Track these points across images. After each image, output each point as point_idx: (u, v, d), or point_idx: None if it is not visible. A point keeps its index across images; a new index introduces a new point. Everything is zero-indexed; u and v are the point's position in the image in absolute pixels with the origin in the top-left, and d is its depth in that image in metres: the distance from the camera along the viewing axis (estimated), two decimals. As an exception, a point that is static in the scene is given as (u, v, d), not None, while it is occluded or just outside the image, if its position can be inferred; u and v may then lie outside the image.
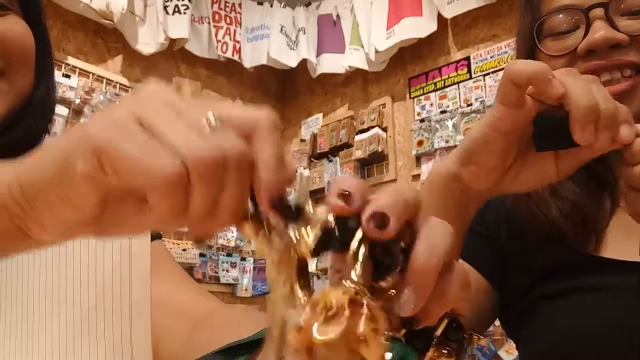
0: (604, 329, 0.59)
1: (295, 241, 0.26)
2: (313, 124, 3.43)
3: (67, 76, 2.45)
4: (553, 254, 0.66)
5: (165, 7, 2.83)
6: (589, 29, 0.61)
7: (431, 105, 2.87)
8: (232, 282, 2.99)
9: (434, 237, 0.27)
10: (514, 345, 2.39)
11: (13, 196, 0.29)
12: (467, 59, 2.78)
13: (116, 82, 2.71)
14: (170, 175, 0.24)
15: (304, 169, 3.26)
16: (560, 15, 0.64)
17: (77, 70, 2.54)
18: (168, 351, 0.55)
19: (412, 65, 3.03)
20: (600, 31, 0.59)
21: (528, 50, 0.69)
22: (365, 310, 0.24)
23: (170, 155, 0.24)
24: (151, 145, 0.24)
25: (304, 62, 3.23)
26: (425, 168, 2.76)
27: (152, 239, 0.62)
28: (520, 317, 0.69)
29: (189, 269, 2.74)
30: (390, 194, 0.27)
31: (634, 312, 0.58)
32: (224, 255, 2.99)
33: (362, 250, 0.26)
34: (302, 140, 3.41)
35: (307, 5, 3.35)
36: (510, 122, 0.46)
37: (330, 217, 0.26)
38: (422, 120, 2.84)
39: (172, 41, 2.88)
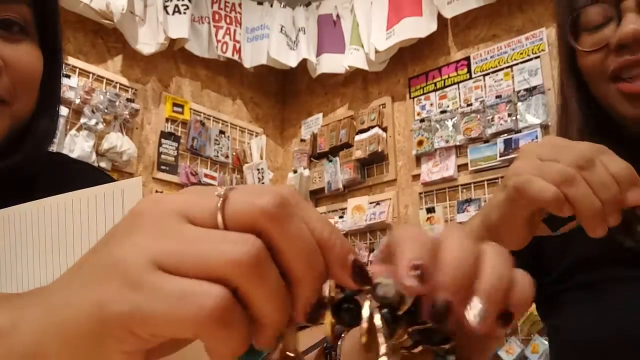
0: (635, 323, 0.59)
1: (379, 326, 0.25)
2: (313, 124, 3.43)
3: (67, 76, 2.45)
4: (592, 243, 0.66)
5: (165, 7, 2.83)
6: (620, 21, 0.59)
7: (431, 105, 2.87)
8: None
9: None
10: (514, 345, 2.38)
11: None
12: (467, 59, 2.78)
13: (116, 82, 2.71)
14: (214, 305, 0.22)
15: (304, 169, 3.26)
16: (594, 9, 0.62)
17: (77, 70, 2.54)
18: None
19: (412, 65, 3.03)
20: (630, 24, 0.58)
21: (568, 45, 0.68)
22: None
23: (204, 286, 0.22)
24: (182, 288, 0.22)
25: (304, 62, 3.23)
26: (425, 168, 2.76)
27: None
28: (554, 305, 0.69)
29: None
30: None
31: None
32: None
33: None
34: (302, 140, 3.41)
35: (307, 5, 3.35)
36: (520, 212, 0.51)
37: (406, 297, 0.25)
38: (422, 120, 2.84)
39: (172, 41, 2.88)
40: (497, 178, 2.48)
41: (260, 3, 3.34)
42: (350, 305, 0.25)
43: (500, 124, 2.51)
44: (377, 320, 0.25)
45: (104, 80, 2.65)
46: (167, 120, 2.93)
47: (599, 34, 0.62)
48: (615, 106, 0.62)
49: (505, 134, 2.48)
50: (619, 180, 0.46)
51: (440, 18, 2.77)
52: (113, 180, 0.69)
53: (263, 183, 3.25)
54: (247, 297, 0.23)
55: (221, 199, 0.24)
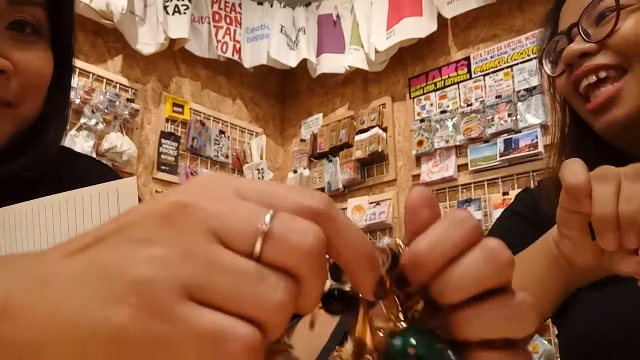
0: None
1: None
2: (313, 124, 3.43)
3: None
4: None
5: (165, 7, 2.83)
6: None
7: (431, 105, 2.87)
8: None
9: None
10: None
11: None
12: (467, 59, 2.78)
13: (116, 82, 2.71)
14: (246, 346, 0.20)
15: (304, 169, 3.26)
16: (556, 42, 0.74)
17: (77, 70, 2.54)
18: None
19: (412, 65, 3.03)
20: (572, 46, 0.67)
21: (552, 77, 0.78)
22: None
23: (239, 325, 0.21)
24: (215, 325, 0.20)
25: (304, 62, 3.23)
26: (425, 168, 2.76)
27: None
28: (563, 303, 0.70)
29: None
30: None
31: None
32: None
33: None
34: (302, 140, 3.41)
35: (307, 5, 3.35)
36: (573, 207, 0.49)
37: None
38: (422, 120, 2.84)
39: (172, 41, 2.88)
40: (497, 178, 2.48)
41: (260, 3, 3.34)
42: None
43: (500, 124, 2.50)
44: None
45: (104, 80, 2.65)
46: (167, 120, 2.93)
47: (561, 61, 0.72)
48: (590, 123, 0.70)
49: (505, 134, 2.48)
50: None
51: (440, 18, 2.77)
52: (116, 174, 0.69)
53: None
54: (269, 335, 0.22)
55: (263, 229, 0.22)
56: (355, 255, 0.24)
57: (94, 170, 0.68)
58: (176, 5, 2.87)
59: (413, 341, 0.25)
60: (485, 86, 2.67)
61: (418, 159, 2.83)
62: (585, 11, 0.67)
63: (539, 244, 0.56)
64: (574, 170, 0.46)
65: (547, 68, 0.75)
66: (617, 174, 0.45)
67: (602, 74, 0.65)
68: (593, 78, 0.66)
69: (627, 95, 0.64)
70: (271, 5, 3.32)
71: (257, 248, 0.21)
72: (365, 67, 3.02)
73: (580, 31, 0.67)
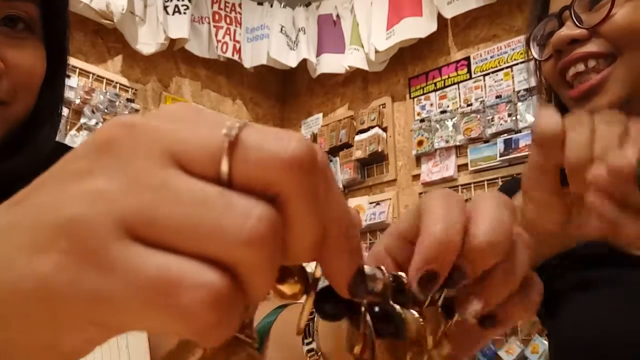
0: (634, 324, 0.60)
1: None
2: (313, 124, 3.43)
3: (67, 76, 2.45)
4: (591, 245, 0.67)
5: (165, 7, 2.83)
6: None
7: (431, 105, 2.87)
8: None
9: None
10: (514, 345, 2.39)
11: None
12: (467, 59, 2.78)
13: (116, 82, 2.71)
14: (208, 300, 0.16)
15: (304, 169, 3.26)
16: (545, 25, 0.70)
17: (77, 70, 2.54)
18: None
19: (412, 65, 3.03)
20: (561, 32, 0.64)
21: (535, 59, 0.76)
22: None
23: (195, 269, 0.16)
24: (163, 271, 0.16)
25: (304, 62, 3.23)
26: (425, 168, 2.76)
27: None
28: (551, 305, 0.69)
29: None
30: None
31: None
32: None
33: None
34: (302, 140, 3.41)
35: (307, 5, 3.35)
36: (544, 160, 0.46)
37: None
38: (422, 120, 2.84)
39: (172, 41, 2.88)
40: (497, 178, 2.48)
41: (260, 3, 3.34)
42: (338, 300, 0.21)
43: (500, 124, 2.50)
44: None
45: (104, 80, 2.65)
46: (167, 120, 2.93)
47: (550, 45, 0.69)
48: (570, 110, 0.67)
49: (505, 134, 2.48)
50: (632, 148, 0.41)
51: (440, 18, 2.76)
52: None
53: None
54: (247, 286, 0.17)
55: (228, 139, 0.17)
56: (339, 230, 0.19)
57: None
58: (176, 5, 2.87)
59: None
60: (485, 86, 2.67)
61: (418, 159, 2.83)
62: None
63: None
64: (547, 115, 0.45)
65: (535, 51, 0.73)
66: (591, 118, 0.44)
67: (592, 63, 0.63)
68: (582, 66, 0.64)
69: (611, 85, 0.62)
70: (271, 5, 3.32)
71: (224, 165, 0.17)
72: (365, 67, 3.02)
73: (572, 15, 0.64)
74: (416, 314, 0.23)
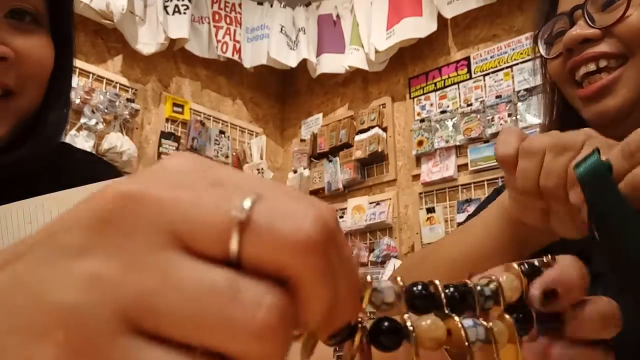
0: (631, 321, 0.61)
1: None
2: (313, 124, 3.43)
3: (74, 70, 2.45)
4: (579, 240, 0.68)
5: (165, 7, 2.83)
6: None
7: (431, 105, 2.87)
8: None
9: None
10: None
11: None
12: (467, 59, 2.77)
13: (116, 82, 2.71)
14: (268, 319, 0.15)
15: (304, 169, 3.26)
16: (555, 23, 0.70)
17: (77, 70, 2.54)
18: None
19: (412, 65, 3.03)
20: (573, 30, 0.64)
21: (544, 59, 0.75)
22: None
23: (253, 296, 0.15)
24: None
25: (304, 62, 3.23)
26: (425, 168, 2.76)
27: None
28: None
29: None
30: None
31: None
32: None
33: None
34: (302, 140, 3.41)
35: (307, 5, 3.35)
36: (508, 176, 0.50)
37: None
38: (422, 120, 2.84)
39: (172, 41, 2.88)
40: (497, 178, 2.47)
41: (260, 3, 3.34)
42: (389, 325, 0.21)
43: (500, 124, 2.50)
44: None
45: (104, 80, 2.65)
46: (167, 120, 2.93)
47: (559, 44, 0.69)
48: (578, 110, 0.67)
49: (505, 134, 2.48)
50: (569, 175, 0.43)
51: (440, 18, 2.76)
52: (115, 169, 0.69)
53: (263, 183, 3.24)
54: None
55: (239, 219, 0.16)
56: (350, 291, 0.18)
57: (95, 166, 0.67)
58: (176, 5, 2.87)
59: None
60: (485, 86, 2.67)
61: (418, 159, 2.83)
62: None
63: (495, 205, 0.56)
64: (505, 140, 0.47)
65: (542, 48, 0.72)
66: (542, 147, 0.45)
67: (603, 63, 0.63)
68: (592, 66, 0.63)
69: (622, 86, 0.62)
70: (271, 5, 3.32)
71: (234, 245, 0.15)
72: (365, 67, 3.02)
73: (585, 15, 0.63)
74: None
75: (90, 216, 0.16)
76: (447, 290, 0.23)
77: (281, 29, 3.24)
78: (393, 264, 2.66)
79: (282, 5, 3.31)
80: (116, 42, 2.76)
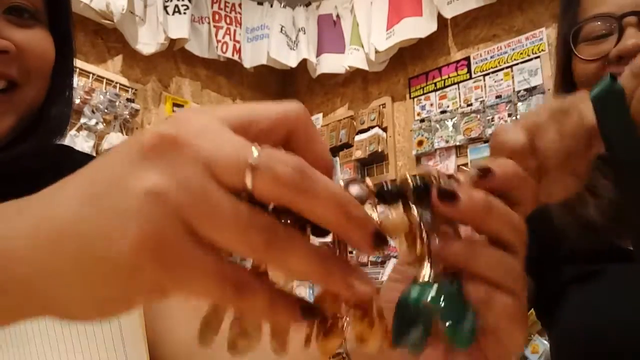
0: (633, 316, 0.61)
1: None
2: (313, 124, 3.43)
3: (74, 69, 2.45)
4: (585, 243, 0.67)
5: (165, 7, 2.83)
6: (621, 35, 0.63)
7: (431, 105, 2.87)
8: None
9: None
10: (514, 345, 2.40)
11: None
12: (467, 59, 2.78)
13: (116, 82, 2.71)
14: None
15: (304, 169, 3.26)
16: (596, 23, 0.67)
17: (77, 70, 2.54)
18: (179, 341, 0.55)
19: (412, 65, 3.03)
20: (631, 39, 0.62)
21: (566, 54, 0.72)
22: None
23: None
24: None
25: (304, 62, 3.23)
26: (425, 168, 2.76)
27: None
28: (550, 302, 0.70)
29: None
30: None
31: None
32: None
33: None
34: (302, 140, 3.41)
35: (307, 5, 3.35)
36: None
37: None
38: (422, 120, 2.84)
39: (172, 41, 2.88)
40: (497, 178, 2.48)
41: (260, 3, 3.34)
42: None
43: (501, 124, 2.50)
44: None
45: (104, 80, 2.65)
46: (167, 120, 2.93)
47: (599, 46, 0.66)
48: None
49: (505, 134, 2.48)
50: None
51: (440, 18, 2.76)
52: None
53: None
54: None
55: (251, 164, 0.22)
56: (321, 162, 0.25)
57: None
58: (176, 5, 2.87)
59: (433, 294, 0.26)
60: (485, 86, 2.67)
61: (418, 159, 2.83)
62: None
63: None
64: (512, 135, 0.44)
65: (574, 48, 0.69)
66: (544, 122, 0.43)
67: None
68: None
69: None
70: (271, 5, 3.32)
71: (249, 182, 0.21)
72: (365, 67, 3.02)
73: None
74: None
75: (139, 147, 0.21)
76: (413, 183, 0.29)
77: (281, 29, 3.24)
78: (393, 264, 2.67)
79: (282, 5, 3.31)
80: (116, 42, 2.76)
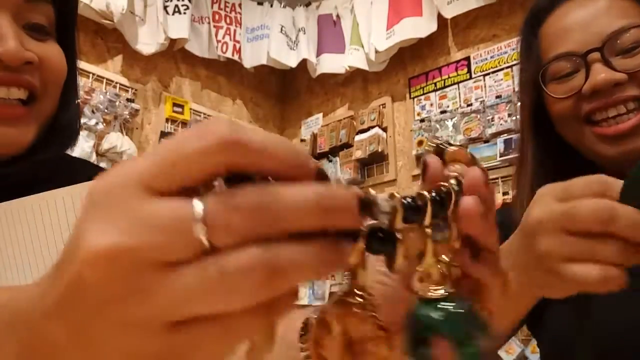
0: (623, 325, 0.61)
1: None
2: (313, 124, 3.43)
3: (79, 72, 2.45)
4: None
5: (165, 7, 2.83)
6: (589, 72, 0.67)
7: (431, 105, 2.87)
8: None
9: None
10: (514, 345, 2.38)
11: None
12: (467, 59, 2.77)
13: (116, 82, 2.71)
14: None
15: (304, 169, 3.25)
16: (562, 62, 0.71)
17: (77, 70, 2.54)
18: None
19: (412, 65, 3.03)
20: (600, 74, 0.66)
21: (534, 98, 0.75)
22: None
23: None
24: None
25: (304, 62, 3.23)
26: (425, 168, 2.76)
27: None
28: (538, 313, 0.70)
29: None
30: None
31: None
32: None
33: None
34: (302, 140, 3.41)
35: (307, 5, 3.35)
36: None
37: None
38: (422, 120, 2.84)
39: (172, 41, 2.88)
40: (497, 178, 2.47)
41: (260, 3, 3.34)
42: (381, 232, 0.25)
43: (500, 124, 2.50)
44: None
45: (104, 80, 2.65)
46: (167, 120, 2.93)
47: (568, 83, 0.70)
48: (592, 148, 0.69)
49: (505, 134, 2.48)
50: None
51: (440, 18, 2.76)
52: None
53: (263, 183, 3.24)
54: None
55: (197, 220, 0.21)
56: (282, 162, 0.22)
57: (91, 172, 0.68)
58: (176, 5, 2.87)
59: (442, 313, 0.26)
60: (485, 86, 2.67)
61: (418, 159, 2.83)
62: (608, 40, 0.66)
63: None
64: (582, 269, 0.41)
65: (544, 87, 0.73)
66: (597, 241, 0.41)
67: (631, 105, 0.66)
68: (623, 109, 0.66)
69: None
70: (271, 5, 3.32)
71: (205, 241, 0.20)
72: (365, 67, 3.02)
73: (606, 59, 0.67)
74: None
75: (71, 283, 0.22)
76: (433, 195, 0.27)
77: (281, 29, 3.24)
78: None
79: (282, 5, 3.31)
80: (116, 42, 2.76)
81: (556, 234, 0.41)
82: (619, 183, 0.41)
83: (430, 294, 0.27)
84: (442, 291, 0.27)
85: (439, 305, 0.27)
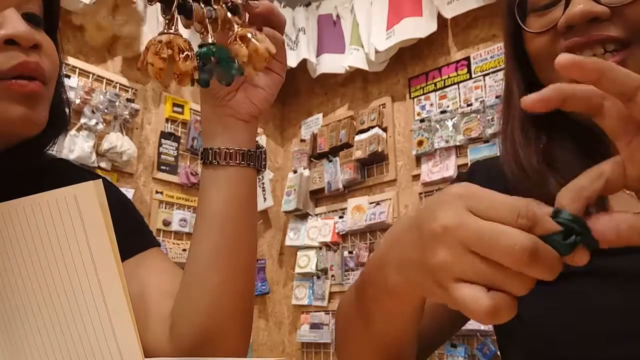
0: (595, 314, 0.55)
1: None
2: (313, 124, 3.43)
3: (67, 76, 2.45)
4: None
5: (165, 7, 2.83)
6: (569, 2, 0.58)
7: (431, 105, 2.87)
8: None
9: None
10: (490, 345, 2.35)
11: None
12: (467, 59, 2.77)
13: (116, 82, 2.71)
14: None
15: (304, 169, 3.26)
16: None
17: (77, 70, 2.54)
18: (156, 330, 0.57)
19: (412, 65, 3.03)
20: (578, 5, 0.56)
21: (513, 29, 0.66)
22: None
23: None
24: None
25: (304, 62, 3.23)
26: (425, 168, 2.76)
27: (152, 246, 0.64)
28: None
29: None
30: None
31: (626, 297, 0.53)
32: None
33: None
34: (302, 140, 3.41)
35: (307, 5, 3.35)
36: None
37: None
38: (422, 120, 2.84)
39: (172, 41, 2.87)
40: (497, 178, 2.48)
41: (260, 3, 3.33)
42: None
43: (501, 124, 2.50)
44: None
45: (104, 81, 2.65)
46: (167, 120, 2.93)
47: (547, 16, 0.61)
48: None
49: (505, 134, 2.48)
50: None
51: (440, 18, 2.76)
52: (114, 187, 0.70)
53: (263, 183, 3.25)
54: None
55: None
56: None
57: (86, 176, 0.70)
58: (176, 5, 2.86)
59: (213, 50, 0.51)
60: (485, 86, 2.67)
61: (418, 159, 2.83)
62: None
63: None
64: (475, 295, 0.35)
65: (520, 21, 0.64)
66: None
67: (610, 47, 0.56)
68: (600, 50, 0.56)
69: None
70: (271, 5, 3.32)
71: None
72: (365, 67, 3.02)
73: None
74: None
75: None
76: None
77: (281, 29, 3.23)
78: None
79: (282, 5, 3.31)
80: (116, 42, 2.76)
81: (457, 249, 0.34)
82: (547, 218, 0.34)
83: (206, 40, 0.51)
84: (211, 40, 0.51)
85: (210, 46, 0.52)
